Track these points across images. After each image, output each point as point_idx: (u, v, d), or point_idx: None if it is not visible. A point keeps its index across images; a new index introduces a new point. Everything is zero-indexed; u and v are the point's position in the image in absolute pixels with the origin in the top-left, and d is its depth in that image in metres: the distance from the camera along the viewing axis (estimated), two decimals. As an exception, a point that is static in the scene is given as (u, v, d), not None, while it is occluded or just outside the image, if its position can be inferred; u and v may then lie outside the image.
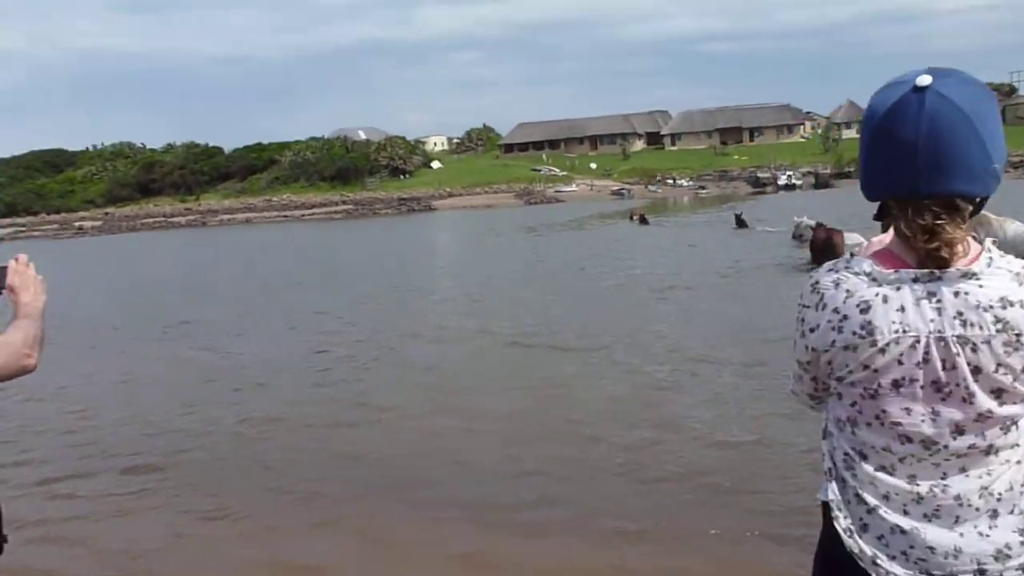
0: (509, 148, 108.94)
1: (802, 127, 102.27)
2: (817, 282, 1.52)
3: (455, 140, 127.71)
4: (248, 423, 8.28)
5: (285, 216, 79.50)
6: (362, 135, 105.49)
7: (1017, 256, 5.48)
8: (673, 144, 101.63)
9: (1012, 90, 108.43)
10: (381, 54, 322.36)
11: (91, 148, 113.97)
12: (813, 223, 21.42)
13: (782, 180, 71.74)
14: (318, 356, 11.62)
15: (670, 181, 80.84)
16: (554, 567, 4.89)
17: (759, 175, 76.66)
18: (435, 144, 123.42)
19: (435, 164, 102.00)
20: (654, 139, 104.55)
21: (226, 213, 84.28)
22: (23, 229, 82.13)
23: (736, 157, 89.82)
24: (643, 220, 36.55)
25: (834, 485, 1.54)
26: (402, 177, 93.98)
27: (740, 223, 30.19)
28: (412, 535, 5.36)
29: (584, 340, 11.32)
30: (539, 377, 9.44)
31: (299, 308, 16.52)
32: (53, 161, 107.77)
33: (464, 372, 10.23)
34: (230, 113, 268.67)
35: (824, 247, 16.24)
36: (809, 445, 6.55)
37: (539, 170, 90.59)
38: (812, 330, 1.52)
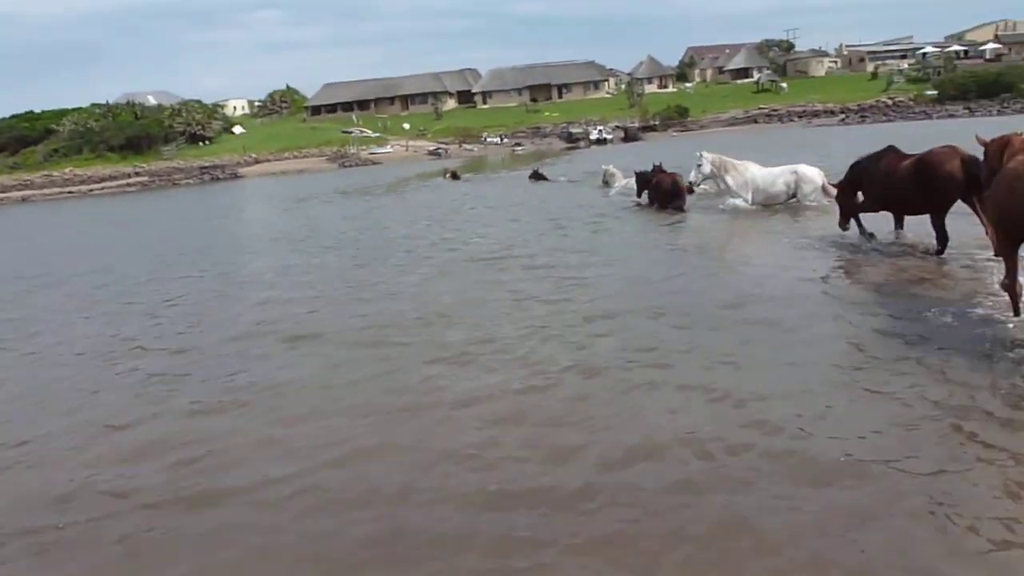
0: (316, 110, 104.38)
1: (607, 83, 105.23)
2: None
3: (257, 103, 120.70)
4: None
5: (70, 192, 71.86)
6: (152, 100, 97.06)
7: (763, 197, 13.12)
8: (485, 102, 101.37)
9: (790, 46, 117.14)
10: (170, 14, 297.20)
11: None
12: (613, 169, 25.27)
13: (594, 135, 73.49)
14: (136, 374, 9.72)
15: (495, 140, 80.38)
16: None
17: (572, 131, 78.24)
18: (235, 108, 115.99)
19: (237, 129, 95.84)
20: (466, 98, 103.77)
21: (-3, 191, 74.96)
22: None
23: (547, 114, 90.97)
24: (455, 176, 38.39)
25: None
26: (202, 144, 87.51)
27: (537, 176, 32.18)
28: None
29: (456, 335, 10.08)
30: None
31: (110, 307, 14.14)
32: None
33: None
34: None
35: (673, 189, 18.16)
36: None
37: (350, 132, 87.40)
38: None
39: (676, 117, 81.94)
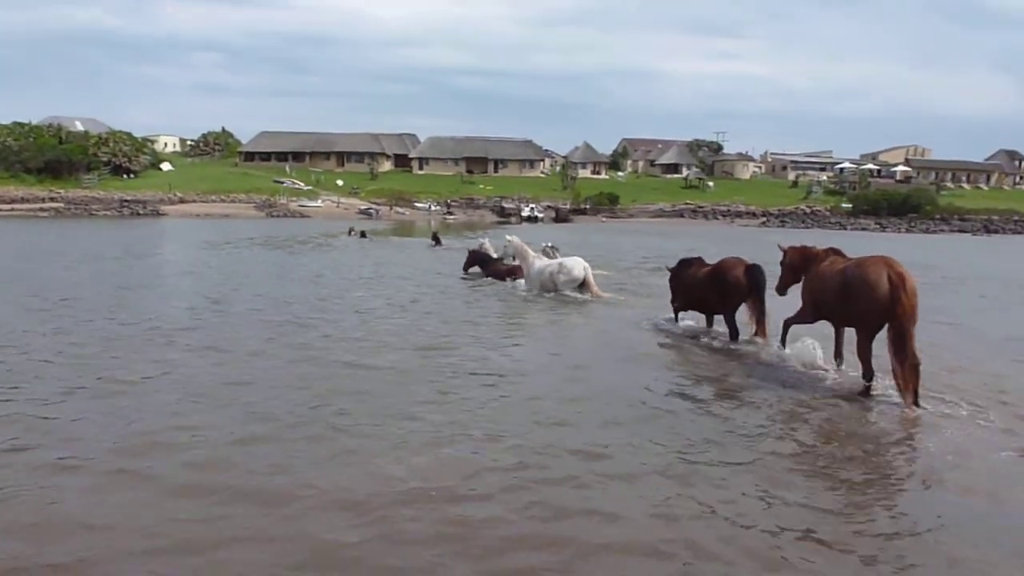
0: (250, 156, 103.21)
1: (542, 163, 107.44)
2: None
3: (189, 142, 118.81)
4: None
5: (-26, 210, 68.47)
6: (79, 126, 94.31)
7: (536, 285, 15.17)
8: (421, 168, 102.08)
9: (719, 148, 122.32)
10: (108, 43, 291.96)
11: None
12: (488, 244, 25.02)
13: (525, 212, 74.66)
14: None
15: (432, 206, 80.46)
16: None
17: (504, 205, 79.31)
18: (166, 144, 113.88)
19: (165, 166, 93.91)
20: (402, 161, 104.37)
21: None
22: None
23: (482, 186, 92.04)
24: (362, 235, 40.15)
25: None
26: (126, 177, 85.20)
27: (436, 240, 34.56)
28: None
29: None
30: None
31: None
32: None
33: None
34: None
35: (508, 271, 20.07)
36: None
37: (282, 182, 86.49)
38: None
39: (607, 204, 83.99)
